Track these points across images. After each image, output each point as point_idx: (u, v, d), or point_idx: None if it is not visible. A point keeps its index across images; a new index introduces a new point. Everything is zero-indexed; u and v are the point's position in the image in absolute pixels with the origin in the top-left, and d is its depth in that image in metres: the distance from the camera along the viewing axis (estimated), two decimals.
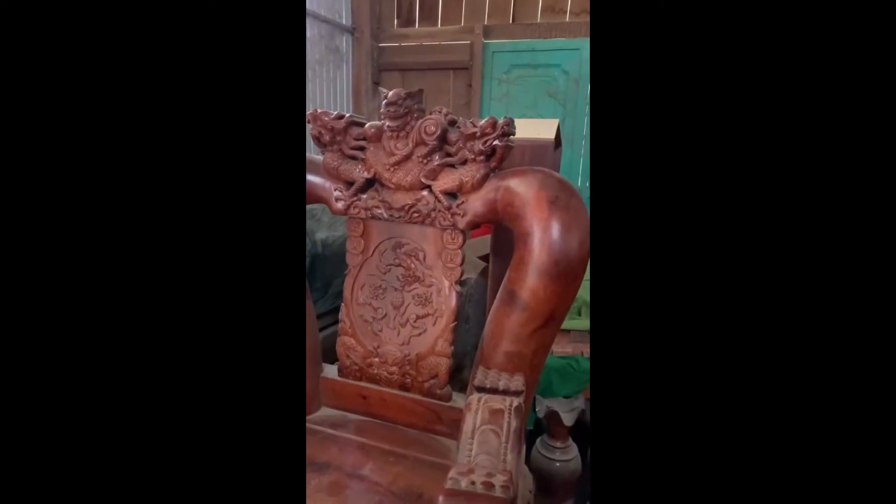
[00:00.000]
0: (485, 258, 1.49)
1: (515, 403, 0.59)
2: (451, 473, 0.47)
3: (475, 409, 0.58)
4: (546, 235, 0.62)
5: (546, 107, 2.51)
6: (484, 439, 0.54)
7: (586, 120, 2.49)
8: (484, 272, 1.46)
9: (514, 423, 0.56)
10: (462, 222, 0.73)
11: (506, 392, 0.63)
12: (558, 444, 1.02)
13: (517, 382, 0.64)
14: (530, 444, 1.07)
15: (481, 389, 0.63)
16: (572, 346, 1.03)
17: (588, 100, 2.47)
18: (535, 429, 1.10)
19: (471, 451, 0.53)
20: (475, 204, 0.72)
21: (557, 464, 1.00)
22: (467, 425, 0.56)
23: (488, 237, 1.51)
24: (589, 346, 1.02)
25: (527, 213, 0.64)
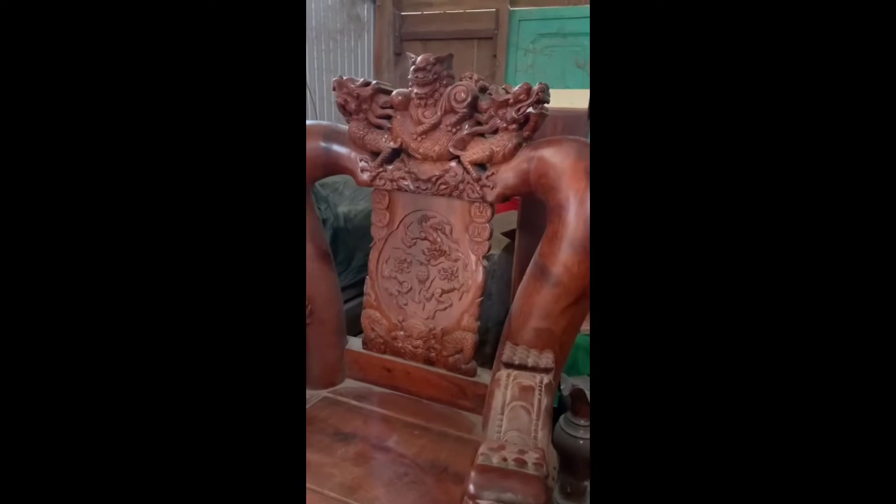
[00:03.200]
0: (508, 234, 1.46)
1: (546, 380, 0.58)
2: (482, 449, 0.46)
3: (504, 384, 0.57)
4: (582, 208, 0.59)
5: (574, 78, 2.40)
6: (514, 416, 0.53)
7: None
8: (507, 248, 1.43)
9: (544, 401, 0.54)
10: (491, 195, 0.71)
11: (535, 369, 0.61)
12: (582, 423, 1.01)
13: (546, 359, 0.63)
14: (553, 422, 1.06)
15: (509, 365, 0.62)
16: None
17: None
18: (559, 406, 1.09)
19: (501, 427, 0.52)
20: (506, 175, 0.69)
21: (581, 441, 0.99)
22: (497, 401, 0.55)
23: (512, 213, 1.48)
24: None
25: (562, 184, 0.61)
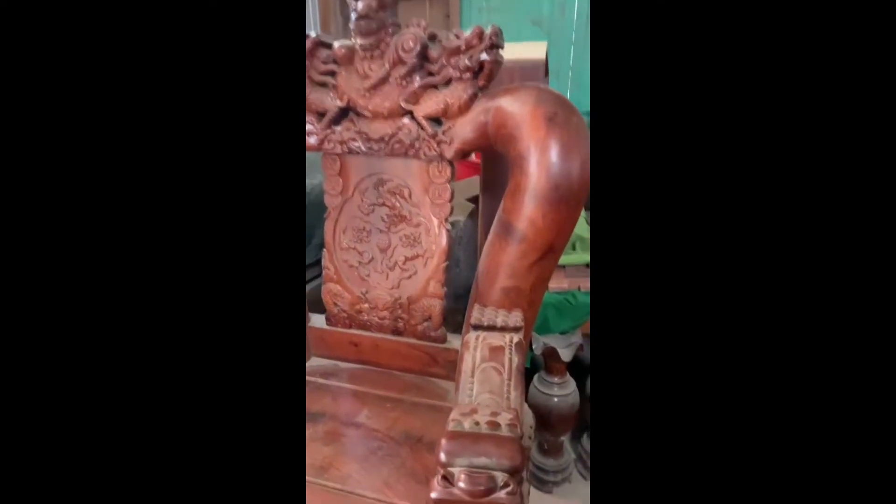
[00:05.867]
0: (473, 200, 1.43)
1: (516, 339, 0.56)
2: (453, 415, 0.43)
3: (473, 346, 0.55)
4: (544, 157, 0.56)
5: (530, 37, 2.34)
6: (485, 378, 0.51)
7: (572, 49, 2.35)
8: (472, 214, 1.41)
9: (515, 360, 0.52)
10: (449, 151, 0.66)
11: (504, 328, 0.59)
12: (556, 380, 1.02)
13: (516, 318, 0.61)
14: (527, 381, 1.06)
15: (478, 327, 0.60)
16: (568, 280, 1.00)
17: (575, 27, 2.32)
18: (532, 366, 1.09)
19: (472, 390, 0.50)
20: (464, 129, 0.65)
21: (556, 399, 1.01)
22: (466, 364, 0.53)
23: (476, 178, 1.44)
24: (585, 280, 0.99)
25: (522, 133, 0.58)
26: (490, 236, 0.65)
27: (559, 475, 1.10)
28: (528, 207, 0.58)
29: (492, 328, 0.59)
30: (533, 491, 1.07)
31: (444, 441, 0.39)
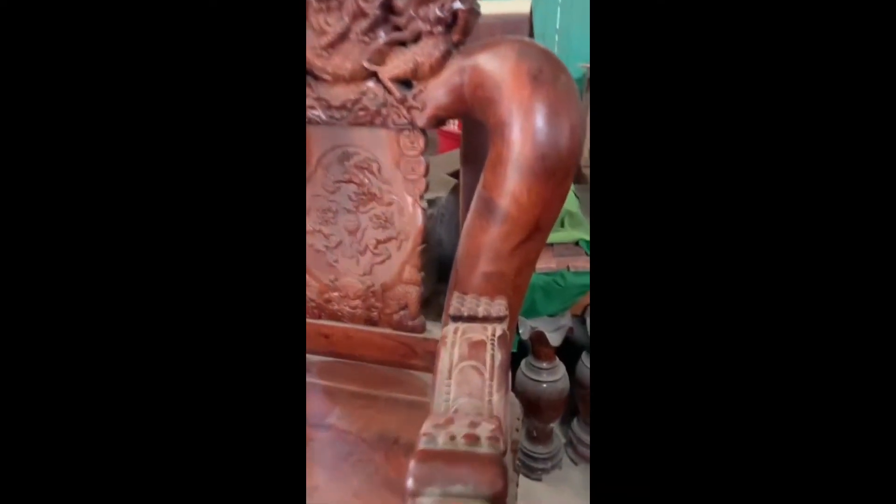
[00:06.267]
0: (455, 175, 1.36)
1: (499, 332, 0.49)
2: (425, 428, 0.37)
3: (451, 342, 0.48)
4: (528, 122, 0.49)
5: None
6: (464, 378, 0.44)
7: (559, 10, 2.24)
8: (455, 189, 1.33)
9: (498, 356, 0.46)
10: (421, 118, 0.58)
11: (486, 319, 0.53)
12: (544, 366, 0.97)
13: (499, 307, 0.54)
14: (514, 368, 1.01)
15: (457, 318, 0.53)
16: (556, 260, 0.94)
17: None
18: (519, 351, 1.04)
19: (448, 394, 0.43)
20: (437, 92, 0.56)
21: (544, 385, 0.96)
22: (443, 363, 0.46)
23: (457, 152, 1.36)
24: (575, 259, 0.93)
25: (502, 94, 0.50)
26: (469, 215, 0.58)
27: (549, 462, 1.07)
28: (510, 181, 0.51)
29: (472, 319, 0.53)
30: (522, 480, 1.03)
31: (413, 464, 0.33)
